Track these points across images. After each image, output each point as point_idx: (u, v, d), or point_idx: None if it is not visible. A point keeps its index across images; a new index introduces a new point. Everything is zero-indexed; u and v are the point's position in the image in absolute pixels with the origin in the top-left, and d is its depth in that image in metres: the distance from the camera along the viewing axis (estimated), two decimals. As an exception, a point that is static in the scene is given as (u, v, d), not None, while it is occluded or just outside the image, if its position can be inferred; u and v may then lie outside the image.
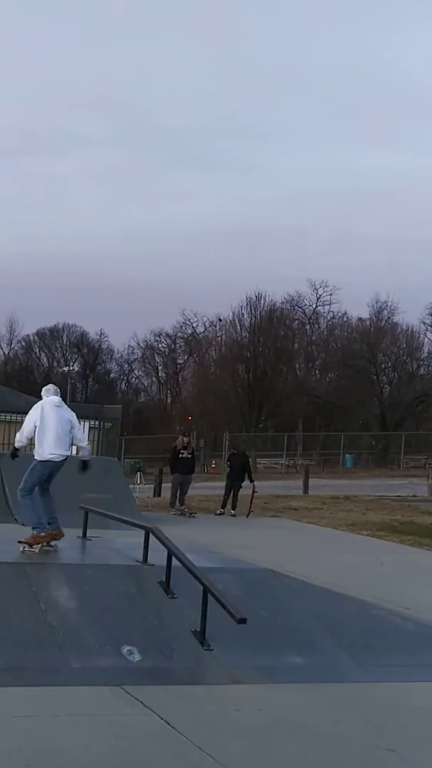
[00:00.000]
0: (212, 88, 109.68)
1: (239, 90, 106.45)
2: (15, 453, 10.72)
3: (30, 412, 10.11)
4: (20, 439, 10.26)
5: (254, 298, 68.77)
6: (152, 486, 27.79)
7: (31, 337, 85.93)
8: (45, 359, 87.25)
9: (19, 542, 9.72)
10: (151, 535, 9.20)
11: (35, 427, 9.90)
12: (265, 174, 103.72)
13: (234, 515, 21.52)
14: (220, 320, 73.34)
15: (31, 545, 9.66)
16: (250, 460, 28.16)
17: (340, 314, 72.69)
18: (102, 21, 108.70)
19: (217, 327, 74.94)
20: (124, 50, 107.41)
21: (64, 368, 79.32)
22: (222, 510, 21.88)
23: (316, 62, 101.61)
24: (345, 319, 72.70)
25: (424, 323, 68.31)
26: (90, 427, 24.85)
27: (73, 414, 10.29)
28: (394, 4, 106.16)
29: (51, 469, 10.07)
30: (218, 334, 75.11)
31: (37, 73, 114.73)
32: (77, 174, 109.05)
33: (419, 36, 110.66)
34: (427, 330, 68.48)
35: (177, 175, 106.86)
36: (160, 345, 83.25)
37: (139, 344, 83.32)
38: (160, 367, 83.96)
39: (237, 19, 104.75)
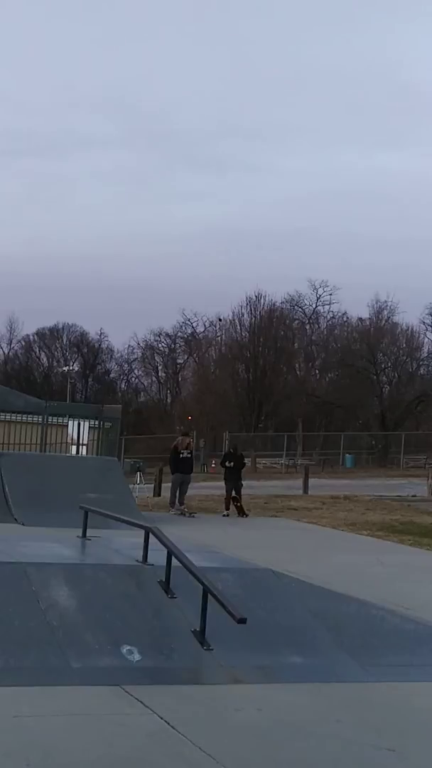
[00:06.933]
0: (217, 90, 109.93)
1: (243, 92, 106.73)
2: None
3: None
4: None
5: (254, 298, 68.92)
6: (152, 486, 27.79)
7: (31, 337, 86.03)
8: (45, 359, 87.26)
9: None
10: (151, 534, 9.19)
11: None
12: (267, 175, 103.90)
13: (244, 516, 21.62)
14: (220, 320, 73.46)
15: None
16: (247, 461, 28.18)
17: (340, 314, 72.86)
18: (108, 23, 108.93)
19: (217, 327, 75.05)
20: (130, 52, 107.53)
21: (64, 368, 79.39)
22: (227, 512, 21.88)
23: (319, 64, 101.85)
24: (345, 319, 72.85)
25: (424, 323, 68.46)
26: (90, 427, 24.84)
27: None
28: (397, 4, 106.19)
29: None
30: (218, 334, 75.21)
31: (43, 75, 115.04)
32: (82, 175, 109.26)
33: (423, 36, 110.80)
34: (427, 330, 68.63)
35: (180, 176, 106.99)
36: (160, 345, 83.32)
37: (139, 344, 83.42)
38: (160, 367, 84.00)
39: (242, 21, 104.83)
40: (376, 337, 66.67)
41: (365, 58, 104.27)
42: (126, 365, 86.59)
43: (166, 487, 25.08)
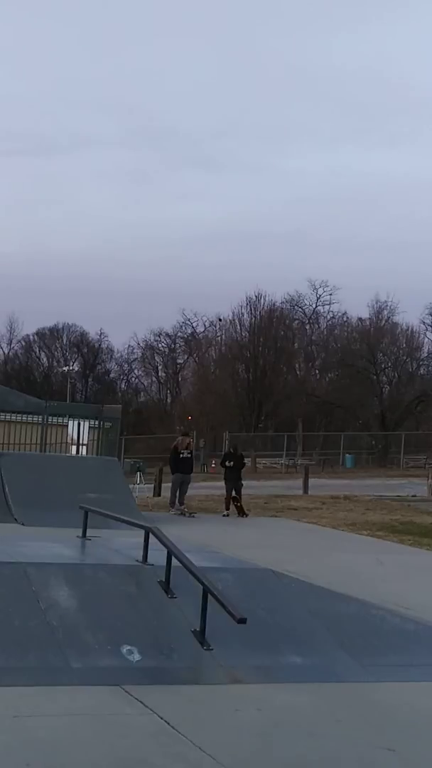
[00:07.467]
0: (217, 90, 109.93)
1: (243, 92, 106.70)
2: None
3: None
4: None
5: (254, 298, 68.96)
6: (152, 486, 27.79)
7: (31, 337, 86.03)
8: (45, 359, 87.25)
9: None
10: (151, 534, 9.19)
11: None
12: (267, 175, 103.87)
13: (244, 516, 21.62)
14: (220, 320, 73.48)
15: None
16: (247, 461, 28.16)
17: (340, 314, 72.89)
18: (109, 23, 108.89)
19: (217, 327, 75.07)
20: (130, 52, 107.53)
21: (64, 368, 79.40)
22: (227, 512, 21.87)
23: (320, 64, 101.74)
24: (345, 319, 72.88)
25: (424, 323, 68.50)
26: (90, 427, 24.85)
27: None
28: (397, 4, 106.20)
29: None
30: (218, 334, 75.21)
31: (43, 75, 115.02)
32: (82, 175, 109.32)
33: (422, 37, 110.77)
34: (427, 330, 68.66)
35: (180, 176, 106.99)
36: (160, 345, 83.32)
37: (139, 344, 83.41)
38: (160, 367, 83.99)
39: (242, 21, 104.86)
40: (376, 337, 66.68)
41: (366, 59, 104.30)
42: (126, 365, 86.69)
43: (166, 487, 25.08)
